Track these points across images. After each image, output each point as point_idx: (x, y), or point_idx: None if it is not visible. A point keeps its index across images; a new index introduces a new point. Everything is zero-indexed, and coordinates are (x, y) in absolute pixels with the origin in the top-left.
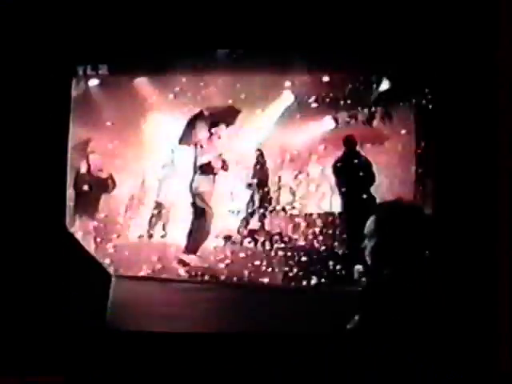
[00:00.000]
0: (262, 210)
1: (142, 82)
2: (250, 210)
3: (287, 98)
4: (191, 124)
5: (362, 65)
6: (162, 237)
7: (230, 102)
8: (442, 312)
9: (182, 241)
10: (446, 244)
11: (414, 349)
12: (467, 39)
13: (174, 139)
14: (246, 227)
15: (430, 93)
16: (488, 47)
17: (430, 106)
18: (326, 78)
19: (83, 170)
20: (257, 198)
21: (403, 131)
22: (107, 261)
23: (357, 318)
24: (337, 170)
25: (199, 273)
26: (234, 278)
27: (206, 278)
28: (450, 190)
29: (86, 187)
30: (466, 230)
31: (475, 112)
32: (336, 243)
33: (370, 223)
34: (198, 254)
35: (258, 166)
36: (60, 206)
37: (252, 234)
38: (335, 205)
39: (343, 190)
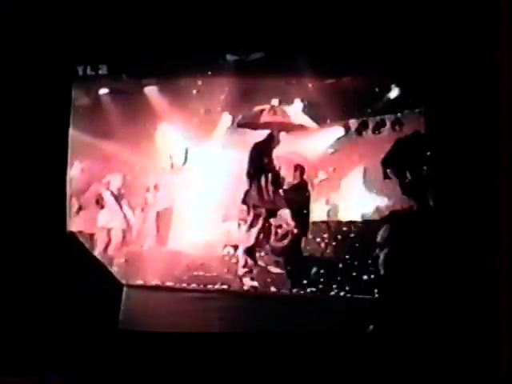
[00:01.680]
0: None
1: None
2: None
3: (297, 105)
4: None
5: (370, 71)
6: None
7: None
8: (444, 316)
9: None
10: (447, 249)
11: (417, 351)
12: (466, 44)
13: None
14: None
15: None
16: (487, 51)
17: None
18: (335, 85)
19: None
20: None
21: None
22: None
23: (369, 323)
24: None
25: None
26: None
27: (216, 287)
28: (451, 196)
29: None
30: (467, 234)
31: (475, 116)
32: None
33: (382, 233)
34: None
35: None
36: (63, 212)
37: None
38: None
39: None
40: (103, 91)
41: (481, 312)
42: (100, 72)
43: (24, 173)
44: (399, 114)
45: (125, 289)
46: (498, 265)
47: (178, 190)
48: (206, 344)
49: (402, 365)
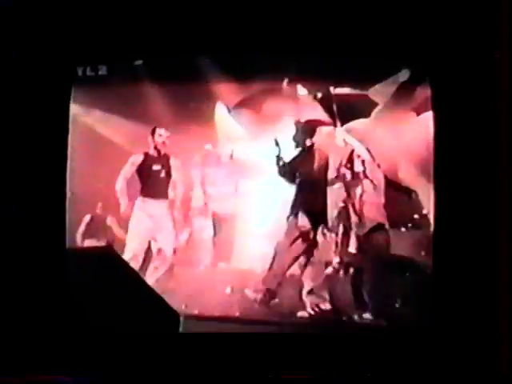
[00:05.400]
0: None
1: None
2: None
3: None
4: None
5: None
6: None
7: None
8: (443, 316)
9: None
10: (447, 250)
11: (416, 350)
12: (466, 44)
13: None
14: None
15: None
16: (487, 50)
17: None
18: None
19: None
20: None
21: None
22: None
23: None
24: None
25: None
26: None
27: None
28: (451, 196)
29: None
30: (467, 235)
31: (475, 116)
32: None
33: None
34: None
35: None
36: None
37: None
38: None
39: None
40: None
41: (481, 311)
42: (100, 73)
43: (23, 174)
44: None
45: (181, 319)
46: (498, 264)
47: (240, 189)
48: None
49: (402, 364)
